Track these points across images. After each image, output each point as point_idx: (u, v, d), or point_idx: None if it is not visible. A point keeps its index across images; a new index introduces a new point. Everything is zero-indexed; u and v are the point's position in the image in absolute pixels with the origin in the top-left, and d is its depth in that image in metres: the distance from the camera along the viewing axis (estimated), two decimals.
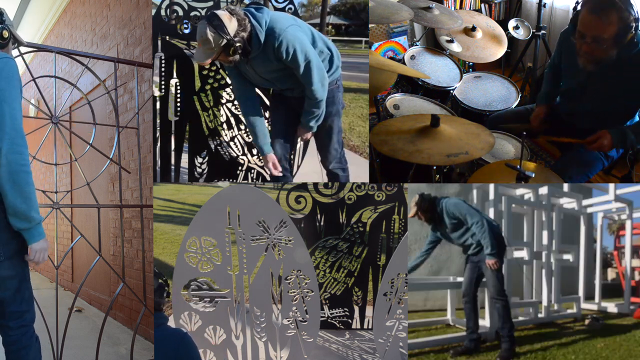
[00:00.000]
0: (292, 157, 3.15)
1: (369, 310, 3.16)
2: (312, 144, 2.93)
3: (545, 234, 3.86)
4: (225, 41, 2.30)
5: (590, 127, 2.57)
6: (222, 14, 2.31)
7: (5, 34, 1.91)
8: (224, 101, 3.06)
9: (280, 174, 2.75)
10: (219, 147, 3.12)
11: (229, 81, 3.03)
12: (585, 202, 4.33)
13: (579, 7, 2.43)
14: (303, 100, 2.62)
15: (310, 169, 2.92)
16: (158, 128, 3.05)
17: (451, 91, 3.23)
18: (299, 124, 2.70)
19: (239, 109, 3.09)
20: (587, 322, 3.60)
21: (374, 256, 3.12)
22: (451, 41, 3.42)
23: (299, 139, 2.81)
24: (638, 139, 2.50)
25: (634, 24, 2.32)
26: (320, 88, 2.52)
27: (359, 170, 3.06)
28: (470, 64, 3.84)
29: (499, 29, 3.63)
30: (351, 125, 4.87)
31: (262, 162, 3.19)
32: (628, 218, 4.33)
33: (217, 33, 2.28)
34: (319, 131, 2.70)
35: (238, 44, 2.34)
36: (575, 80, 2.64)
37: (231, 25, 2.31)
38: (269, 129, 2.77)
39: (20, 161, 1.77)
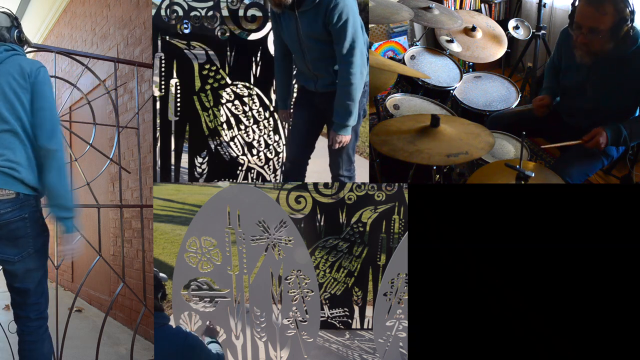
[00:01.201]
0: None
1: (369, 310, 3.16)
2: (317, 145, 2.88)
3: None
4: None
5: (590, 126, 2.57)
6: None
7: (23, 37, 2.09)
8: (224, 101, 3.06)
9: (287, 122, 2.76)
10: (219, 147, 3.12)
11: (229, 81, 3.03)
12: None
13: (576, 3, 2.46)
14: (327, 97, 2.48)
15: (310, 169, 2.92)
16: (158, 128, 3.05)
17: (451, 91, 3.23)
18: (320, 126, 2.57)
19: (238, 109, 3.09)
20: None
21: (374, 256, 3.12)
22: (451, 41, 3.42)
23: (335, 145, 2.51)
24: (632, 136, 2.52)
25: (629, 17, 2.35)
26: (359, 75, 2.36)
27: (359, 170, 3.05)
28: (470, 64, 3.84)
29: (499, 29, 3.63)
30: None
31: (260, 163, 3.19)
32: None
33: None
34: None
35: None
36: (574, 78, 2.65)
37: None
38: (290, 130, 2.72)
39: (65, 159, 2.02)
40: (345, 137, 2.49)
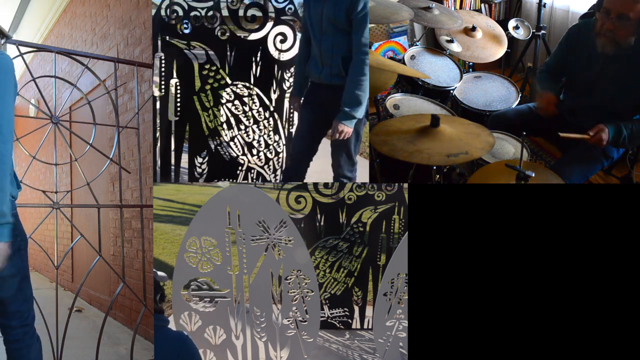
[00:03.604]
0: None
1: (369, 310, 3.16)
2: (319, 146, 2.89)
3: None
4: None
5: (592, 125, 2.57)
6: None
7: None
8: (224, 101, 3.06)
9: (296, 110, 2.82)
10: (219, 147, 3.12)
11: (229, 81, 3.03)
12: None
13: None
14: (332, 90, 2.54)
15: (310, 169, 2.92)
16: (158, 128, 3.05)
17: (451, 91, 3.23)
18: (325, 128, 2.60)
19: (238, 109, 3.09)
20: None
21: (374, 256, 3.12)
22: (451, 41, 3.42)
23: (336, 135, 2.53)
24: (632, 138, 2.52)
25: None
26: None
27: (359, 170, 3.06)
28: (470, 64, 3.84)
29: (499, 29, 3.63)
30: None
31: (260, 163, 3.19)
32: None
33: None
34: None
35: None
36: (585, 73, 2.63)
37: None
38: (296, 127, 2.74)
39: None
40: (348, 128, 2.50)
